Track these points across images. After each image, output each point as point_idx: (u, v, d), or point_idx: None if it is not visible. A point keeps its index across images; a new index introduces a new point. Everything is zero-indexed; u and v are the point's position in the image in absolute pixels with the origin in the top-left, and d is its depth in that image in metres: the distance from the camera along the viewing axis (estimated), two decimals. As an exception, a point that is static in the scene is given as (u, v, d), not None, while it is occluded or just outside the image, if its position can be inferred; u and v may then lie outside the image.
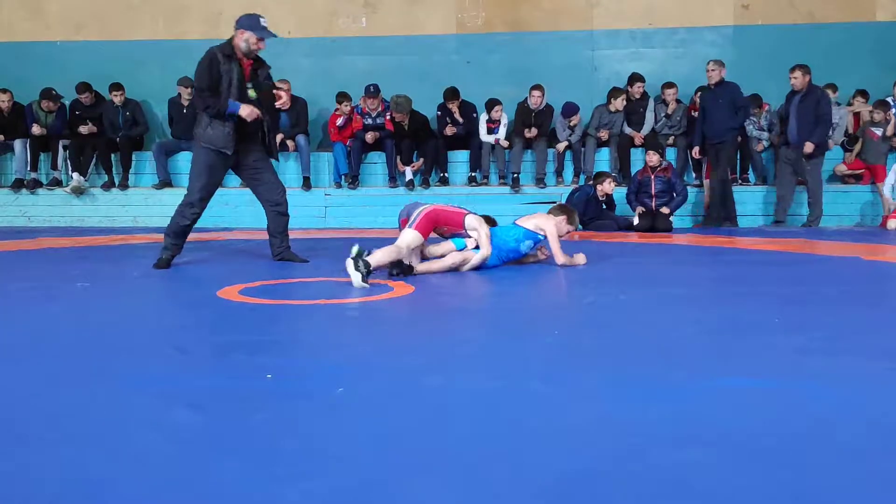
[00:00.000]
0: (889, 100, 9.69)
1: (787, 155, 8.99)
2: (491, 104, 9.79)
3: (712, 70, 8.92)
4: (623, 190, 9.20)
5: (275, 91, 5.83)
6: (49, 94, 10.13)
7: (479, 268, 5.27)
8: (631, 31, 10.62)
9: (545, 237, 5.48)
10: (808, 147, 8.63)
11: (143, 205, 10.06)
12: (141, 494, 1.70)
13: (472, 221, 5.33)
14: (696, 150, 9.25)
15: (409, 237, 5.11)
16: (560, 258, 5.43)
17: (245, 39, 5.42)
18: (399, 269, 5.02)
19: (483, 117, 9.87)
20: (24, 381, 2.62)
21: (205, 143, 5.51)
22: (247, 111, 5.35)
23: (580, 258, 5.53)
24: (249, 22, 5.42)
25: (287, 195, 5.95)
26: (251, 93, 5.47)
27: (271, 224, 5.88)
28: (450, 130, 9.90)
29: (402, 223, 5.48)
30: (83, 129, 10.16)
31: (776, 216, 9.15)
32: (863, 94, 9.87)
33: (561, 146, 9.84)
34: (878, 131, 9.34)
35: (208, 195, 5.69)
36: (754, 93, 9.67)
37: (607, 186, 8.76)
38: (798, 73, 8.79)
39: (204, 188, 5.61)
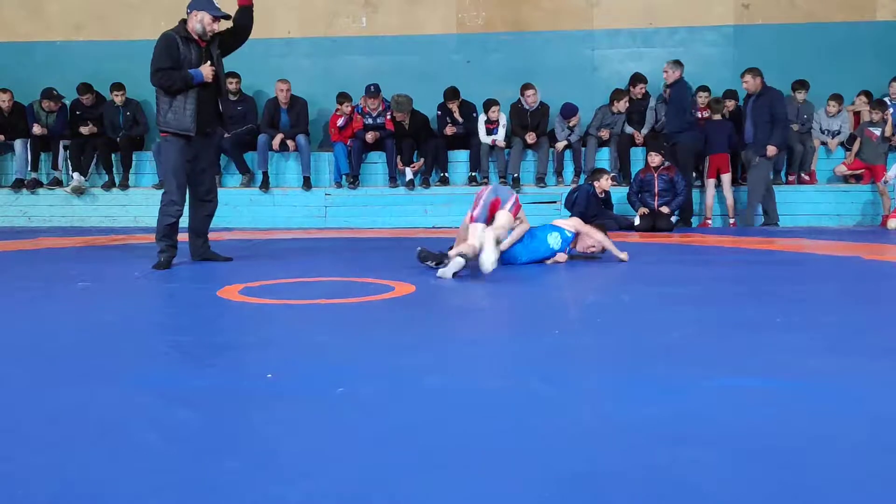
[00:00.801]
0: (886, 99, 9.68)
1: (747, 156, 9.01)
2: (489, 105, 9.79)
3: (667, 71, 8.91)
4: (624, 189, 9.21)
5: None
6: (50, 93, 10.13)
7: (501, 261, 5.15)
8: (631, 30, 10.61)
9: (572, 236, 5.78)
10: (771, 150, 8.62)
11: (143, 204, 10.06)
12: (141, 494, 1.69)
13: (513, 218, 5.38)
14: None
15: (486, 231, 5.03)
16: (617, 253, 5.70)
17: (200, 20, 5.50)
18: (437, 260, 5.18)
19: (482, 118, 9.87)
20: (24, 381, 2.61)
21: (169, 129, 5.54)
22: (207, 72, 5.49)
23: (625, 255, 5.76)
24: (202, 3, 5.44)
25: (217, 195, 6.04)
26: (206, 70, 5.55)
27: (193, 221, 5.95)
28: (450, 130, 9.90)
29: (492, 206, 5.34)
30: (84, 130, 10.16)
31: (766, 218, 9.19)
32: (866, 94, 9.87)
33: (560, 146, 9.84)
34: (877, 131, 9.34)
35: (185, 187, 5.70)
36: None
37: (605, 183, 8.75)
38: (748, 77, 8.82)
39: (180, 182, 5.63)
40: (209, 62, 5.56)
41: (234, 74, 10.09)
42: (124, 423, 2.17)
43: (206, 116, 5.61)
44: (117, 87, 10.24)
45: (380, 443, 1.98)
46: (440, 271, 5.00)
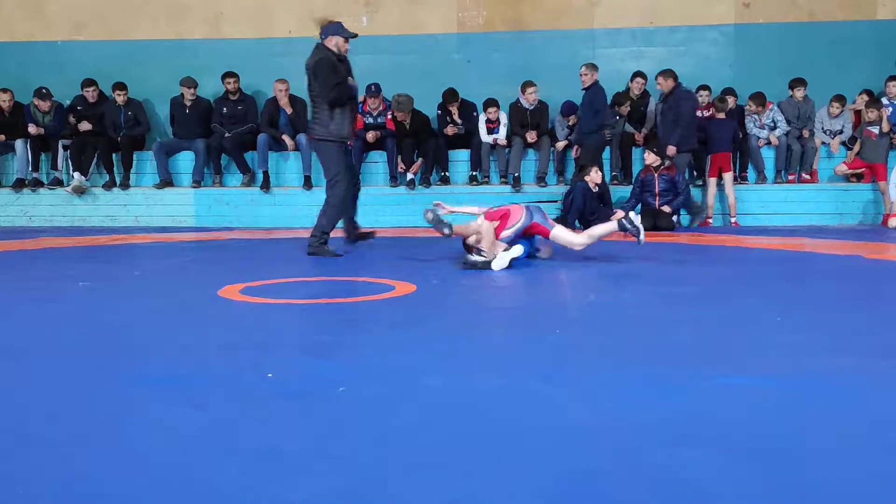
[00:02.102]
0: (884, 99, 9.68)
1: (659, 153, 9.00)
2: (489, 104, 9.78)
3: (584, 74, 8.91)
4: (626, 189, 9.22)
5: None
6: (40, 93, 10.12)
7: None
8: (632, 29, 10.60)
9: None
10: (671, 150, 8.63)
11: (144, 204, 10.07)
12: (142, 494, 1.70)
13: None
14: (574, 149, 9.43)
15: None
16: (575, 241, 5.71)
17: (335, 44, 6.24)
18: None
19: (482, 117, 9.86)
20: (25, 381, 2.62)
21: (330, 137, 6.29)
22: (356, 85, 6.43)
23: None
24: (334, 28, 6.23)
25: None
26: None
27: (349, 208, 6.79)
28: (450, 130, 9.90)
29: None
30: (81, 127, 10.14)
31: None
32: (868, 93, 9.86)
33: (560, 145, 9.84)
34: (876, 130, 9.33)
35: (347, 182, 6.48)
36: (757, 91, 9.66)
37: (595, 176, 8.74)
38: (661, 79, 8.85)
39: (344, 179, 6.42)
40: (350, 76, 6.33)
41: (232, 74, 10.09)
42: (125, 422, 2.17)
43: (352, 124, 6.47)
44: (119, 86, 10.24)
45: (380, 442, 1.98)
46: (494, 264, 5.27)
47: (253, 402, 2.33)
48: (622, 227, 5.57)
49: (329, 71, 6.19)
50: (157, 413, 2.25)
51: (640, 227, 5.61)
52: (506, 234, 5.52)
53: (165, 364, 2.85)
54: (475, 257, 5.37)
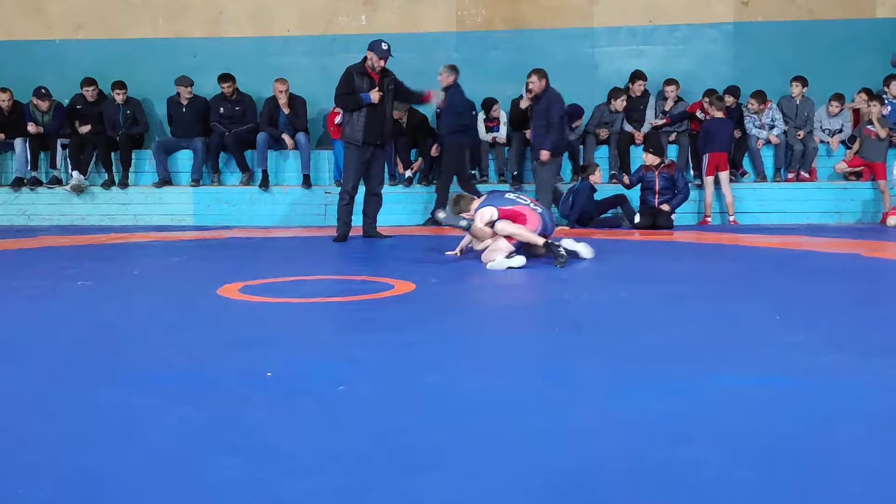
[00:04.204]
0: (884, 97, 9.68)
1: (532, 157, 8.92)
2: (489, 104, 9.77)
3: (442, 75, 8.87)
4: (618, 187, 9.24)
5: (425, 92, 7.89)
6: (39, 92, 10.11)
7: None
8: (631, 28, 10.59)
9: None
10: (544, 155, 8.52)
11: (143, 203, 10.05)
12: (142, 492, 1.70)
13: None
14: (434, 147, 9.42)
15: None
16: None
17: (371, 59, 7.32)
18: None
19: (481, 116, 9.85)
20: (25, 380, 2.62)
21: (346, 139, 7.48)
22: (374, 96, 7.26)
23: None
24: (373, 46, 7.34)
25: (383, 186, 7.92)
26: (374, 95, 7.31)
27: (365, 207, 7.65)
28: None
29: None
30: (81, 129, 10.13)
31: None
32: (866, 91, 9.85)
33: (560, 143, 9.81)
34: (874, 129, 9.32)
35: (356, 183, 7.50)
36: (758, 89, 9.65)
37: (598, 176, 8.77)
38: (534, 78, 8.65)
39: (353, 179, 7.46)
40: (377, 89, 7.27)
41: (227, 77, 10.07)
42: (125, 420, 2.17)
43: (374, 130, 7.33)
44: (119, 85, 10.23)
45: (380, 441, 1.99)
46: (490, 265, 5.31)
47: (252, 401, 2.34)
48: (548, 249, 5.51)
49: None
50: (155, 411, 2.25)
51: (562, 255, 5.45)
52: (519, 238, 5.55)
53: (164, 363, 2.85)
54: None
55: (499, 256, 5.38)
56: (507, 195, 6.03)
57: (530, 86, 8.72)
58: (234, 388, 2.49)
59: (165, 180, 10.10)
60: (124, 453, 1.92)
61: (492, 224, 5.59)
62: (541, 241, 5.60)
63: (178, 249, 7.01)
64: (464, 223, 5.62)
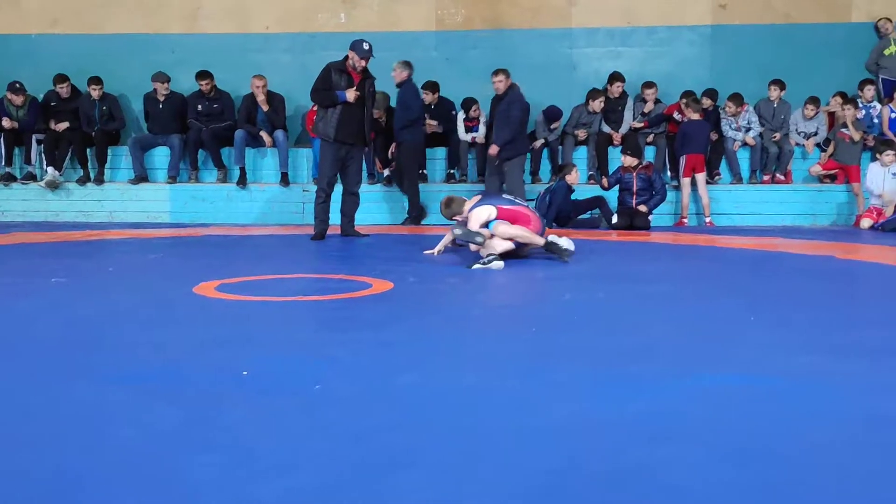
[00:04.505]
0: (858, 101, 9.79)
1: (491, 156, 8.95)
2: (469, 103, 9.78)
3: (395, 71, 8.91)
4: (596, 187, 9.29)
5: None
6: (13, 86, 10.00)
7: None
8: (609, 29, 10.64)
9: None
10: (493, 149, 8.59)
11: (118, 200, 9.96)
12: (118, 490, 1.68)
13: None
14: (392, 146, 9.44)
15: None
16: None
17: (352, 58, 7.31)
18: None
19: (461, 115, 9.86)
20: (-3, 378, 2.59)
21: (317, 134, 7.56)
22: (351, 95, 7.20)
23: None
24: (354, 45, 7.34)
25: (360, 185, 7.88)
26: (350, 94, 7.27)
27: (343, 205, 7.60)
28: (429, 128, 9.88)
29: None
30: (56, 126, 10.02)
31: None
32: (841, 94, 9.97)
33: (538, 144, 9.86)
34: (849, 132, 9.43)
35: (332, 180, 7.48)
36: (735, 92, 9.73)
37: (575, 176, 8.82)
38: (501, 77, 8.73)
39: (328, 176, 7.43)
40: (355, 88, 7.23)
41: (205, 75, 10.01)
42: (100, 419, 2.15)
43: (349, 129, 7.29)
44: (95, 81, 10.13)
45: (357, 440, 1.98)
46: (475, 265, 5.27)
47: (228, 400, 2.32)
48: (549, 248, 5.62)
49: (319, 76, 7.36)
50: (131, 409, 2.23)
51: (566, 249, 5.64)
52: (519, 239, 5.60)
53: (139, 361, 2.83)
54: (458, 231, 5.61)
55: (500, 248, 5.43)
56: (504, 196, 6.10)
57: (497, 85, 8.76)
58: (211, 386, 2.48)
59: (141, 177, 10.02)
60: (100, 451, 1.91)
61: (486, 224, 5.59)
62: (541, 241, 5.62)
63: (154, 247, 6.96)
64: (479, 239, 5.49)
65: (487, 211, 5.63)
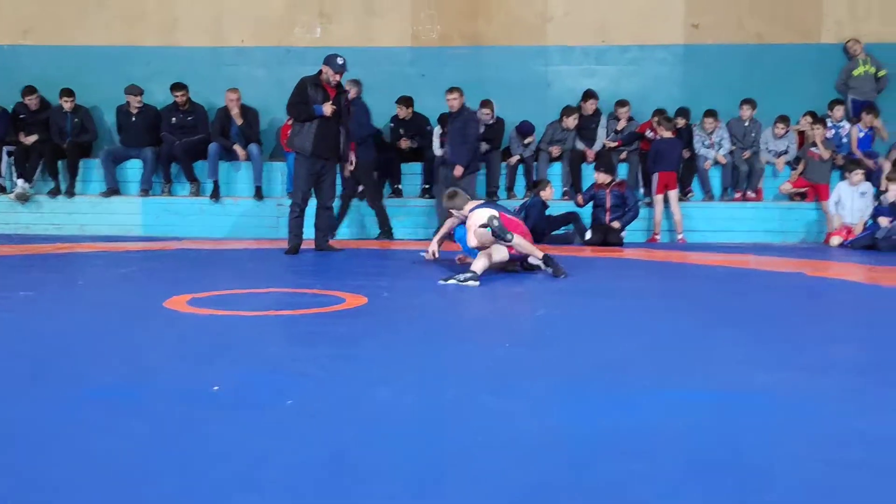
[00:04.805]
0: (828, 121, 9.95)
1: (445, 172, 9.06)
2: (444, 119, 9.82)
3: (348, 89, 8.97)
4: (570, 203, 9.35)
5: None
6: None
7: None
8: (584, 47, 10.75)
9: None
10: (458, 170, 8.71)
11: (90, 213, 9.88)
12: (81, 509, 1.66)
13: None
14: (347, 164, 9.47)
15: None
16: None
17: (326, 72, 7.34)
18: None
19: (437, 131, 9.88)
20: (-38, 393, 2.54)
21: (293, 148, 7.48)
22: (326, 109, 7.23)
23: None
24: (328, 60, 7.37)
25: (335, 199, 7.93)
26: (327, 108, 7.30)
27: (317, 220, 7.60)
28: (404, 144, 9.90)
29: None
30: (25, 139, 9.91)
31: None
32: (811, 114, 10.12)
33: (513, 160, 9.91)
34: (818, 151, 9.57)
35: (307, 195, 7.46)
36: (708, 108, 9.85)
37: (550, 192, 8.92)
38: (456, 94, 8.88)
39: (302, 190, 7.43)
40: (331, 102, 7.25)
41: (180, 86, 9.97)
42: (68, 435, 2.12)
43: (326, 143, 7.33)
44: (67, 92, 10.06)
45: (328, 456, 1.97)
46: (451, 280, 5.28)
47: (198, 416, 2.30)
48: (546, 262, 5.71)
49: (294, 90, 7.37)
50: (98, 425, 2.20)
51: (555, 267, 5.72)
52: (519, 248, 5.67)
53: (108, 375, 2.79)
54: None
55: (497, 257, 5.49)
56: (498, 204, 6.17)
57: (451, 102, 8.82)
58: (180, 402, 2.45)
59: (113, 189, 9.94)
60: (66, 468, 1.88)
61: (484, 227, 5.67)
62: (539, 253, 5.68)
63: (125, 260, 6.90)
64: (509, 236, 5.52)
65: (490, 213, 5.63)
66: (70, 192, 9.94)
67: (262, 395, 2.53)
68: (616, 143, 9.95)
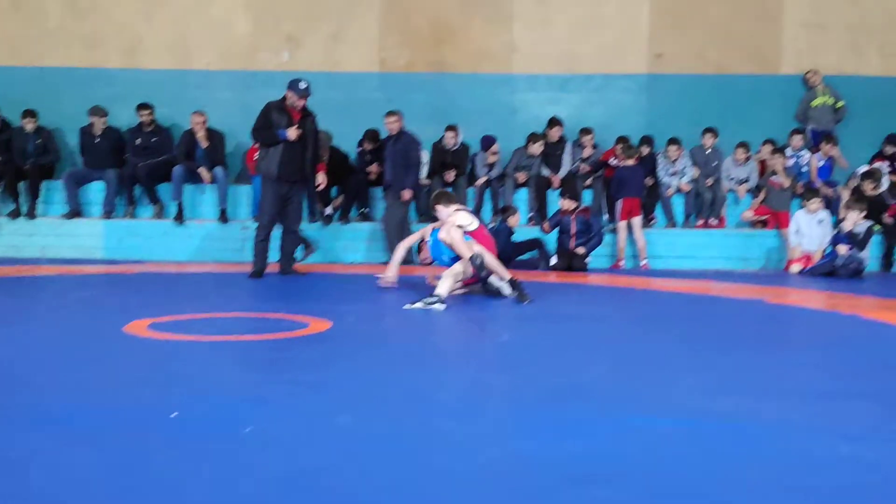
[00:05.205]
0: (787, 150, 10.14)
1: (390, 197, 9.17)
2: (383, 141, 9.90)
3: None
4: (535, 229, 9.42)
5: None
6: None
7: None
8: (549, 76, 10.87)
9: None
10: (406, 194, 8.85)
11: (51, 235, 9.73)
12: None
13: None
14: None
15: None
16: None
17: (290, 97, 7.37)
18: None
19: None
20: (-89, 420, 2.49)
21: (259, 172, 7.52)
22: (292, 134, 7.27)
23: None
24: (292, 85, 7.39)
25: (300, 223, 7.89)
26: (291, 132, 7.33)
27: (282, 244, 7.61)
28: (374, 169, 9.91)
29: None
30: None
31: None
32: (771, 143, 10.31)
33: (480, 181, 9.97)
34: (779, 179, 9.75)
35: (273, 218, 7.47)
36: (671, 137, 9.99)
37: (517, 219, 9.02)
38: (395, 118, 9.04)
39: (269, 213, 7.43)
40: (296, 127, 7.28)
41: (146, 106, 9.93)
42: (20, 462, 2.08)
43: (291, 167, 7.35)
44: (29, 113, 9.95)
45: (287, 484, 1.95)
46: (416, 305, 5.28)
47: (153, 444, 2.27)
48: (513, 286, 5.77)
49: (259, 115, 7.40)
50: (47, 455, 2.16)
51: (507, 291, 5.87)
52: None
53: (61, 402, 2.74)
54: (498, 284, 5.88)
55: (460, 268, 5.54)
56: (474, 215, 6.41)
57: (390, 126, 8.91)
58: (136, 429, 2.41)
59: (75, 211, 9.81)
60: (19, 494, 1.84)
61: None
62: (507, 275, 5.72)
63: (86, 284, 6.80)
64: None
65: (471, 219, 5.89)
66: (31, 214, 9.80)
67: (220, 423, 2.50)
68: (588, 170, 10.06)
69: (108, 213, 9.80)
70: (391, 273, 6.46)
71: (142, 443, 2.27)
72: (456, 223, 5.72)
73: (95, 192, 10.05)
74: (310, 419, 2.55)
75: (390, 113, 9.02)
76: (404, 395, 2.98)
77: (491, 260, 5.72)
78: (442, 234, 5.76)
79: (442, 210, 6.14)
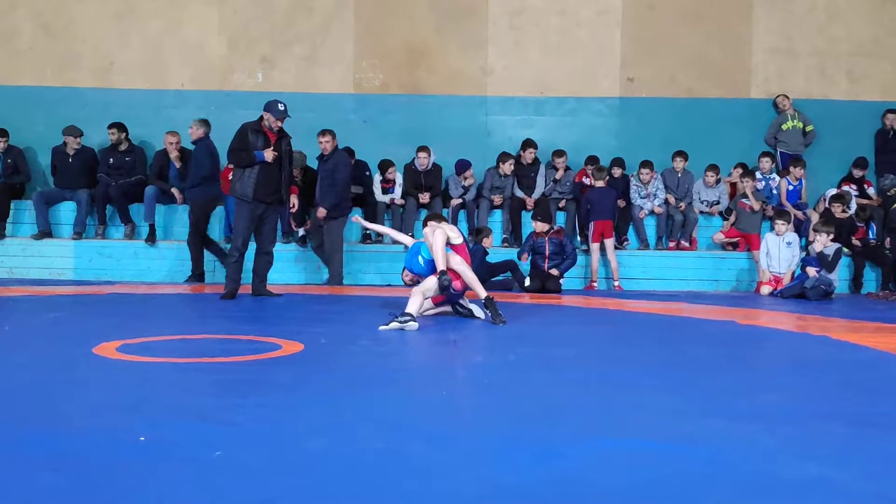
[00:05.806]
0: (757, 173, 10.27)
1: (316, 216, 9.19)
2: (385, 165, 9.90)
3: (192, 128, 9.04)
4: (513, 251, 9.44)
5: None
6: None
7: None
8: (523, 98, 10.95)
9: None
10: (321, 212, 8.88)
11: (20, 255, 9.61)
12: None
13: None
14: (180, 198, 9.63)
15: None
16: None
17: (267, 119, 7.36)
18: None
19: (377, 178, 9.95)
20: None
21: (235, 194, 7.44)
22: (269, 156, 7.28)
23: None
24: (269, 106, 7.41)
25: (275, 245, 7.79)
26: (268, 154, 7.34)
27: (255, 265, 7.55)
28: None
29: None
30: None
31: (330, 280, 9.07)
32: (742, 166, 10.44)
33: (454, 202, 10.00)
34: (749, 202, 9.86)
35: (246, 240, 7.44)
36: (644, 159, 10.08)
37: (491, 241, 9.11)
38: (328, 137, 8.98)
39: (243, 236, 7.40)
40: (272, 148, 7.29)
41: (119, 126, 9.87)
42: (-20, 490, 2.04)
43: (267, 188, 7.33)
44: (0, 133, 9.86)
45: (254, 509, 1.93)
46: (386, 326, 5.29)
47: (121, 468, 2.23)
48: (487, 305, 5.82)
49: (235, 137, 7.39)
50: (9, 480, 2.12)
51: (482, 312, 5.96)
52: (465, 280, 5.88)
53: (26, 426, 2.70)
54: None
55: (416, 308, 5.52)
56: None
57: (323, 145, 8.89)
58: (103, 453, 2.38)
59: (45, 232, 9.70)
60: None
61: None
62: (483, 294, 5.74)
63: (55, 305, 6.72)
64: (449, 292, 5.86)
65: (458, 234, 6.01)
66: (0, 234, 9.68)
67: (189, 446, 2.47)
68: (565, 200, 10.16)
69: (79, 233, 9.70)
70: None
71: (107, 468, 2.24)
72: (445, 230, 5.83)
73: (66, 212, 9.94)
74: (279, 443, 2.53)
75: (323, 132, 8.94)
76: (376, 418, 2.97)
77: (470, 276, 5.78)
78: (426, 231, 5.86)
79: (433, 225, 6.17)
